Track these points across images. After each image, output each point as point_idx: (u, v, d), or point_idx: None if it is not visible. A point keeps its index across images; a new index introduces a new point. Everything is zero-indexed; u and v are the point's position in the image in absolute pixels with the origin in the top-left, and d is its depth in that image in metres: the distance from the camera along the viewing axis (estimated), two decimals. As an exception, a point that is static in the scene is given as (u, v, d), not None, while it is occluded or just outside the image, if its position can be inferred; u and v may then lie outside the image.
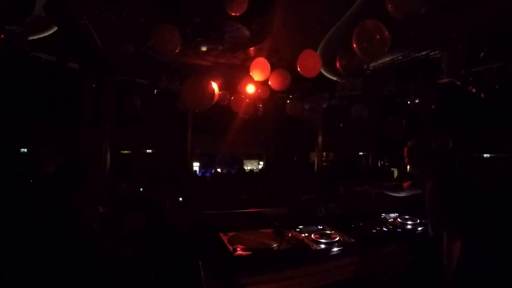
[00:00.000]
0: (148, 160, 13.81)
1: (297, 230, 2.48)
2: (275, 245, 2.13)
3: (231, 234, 2.32)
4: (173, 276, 2.50)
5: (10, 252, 2.43)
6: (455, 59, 4.27)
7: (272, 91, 5.06)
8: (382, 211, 3.12)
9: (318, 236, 2.30)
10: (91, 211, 3.16)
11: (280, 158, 14.89)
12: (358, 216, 2.83)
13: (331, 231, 2.45)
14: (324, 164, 13.56)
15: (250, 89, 5.31)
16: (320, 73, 4.32)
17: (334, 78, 6.66)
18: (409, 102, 5.27)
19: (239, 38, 5.60)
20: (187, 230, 2.74)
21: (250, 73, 4.34)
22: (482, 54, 4.52)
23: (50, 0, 3.53)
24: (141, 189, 5.96)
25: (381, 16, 2.72)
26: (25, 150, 11.28)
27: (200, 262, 2.07)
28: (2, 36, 3.95)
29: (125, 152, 13.11)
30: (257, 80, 4.45)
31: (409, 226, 2.71)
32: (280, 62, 5.68)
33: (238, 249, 2.04)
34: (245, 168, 15.57)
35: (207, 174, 12.72)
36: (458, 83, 5.06)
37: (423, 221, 2.59)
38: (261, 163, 16.66)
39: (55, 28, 4.35)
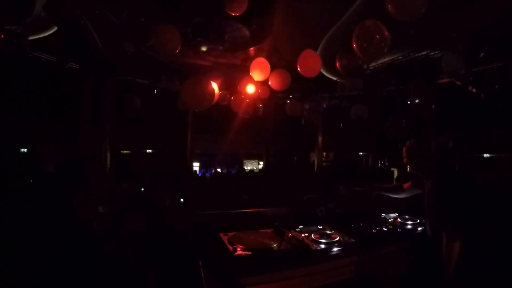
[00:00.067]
0: (148, 160, 13.82)
1: (297, 230, 2.48)
2: (275, 245, 2.13)
3: (231, 234, 2.32)
4: (173, 276, 2.50)
5: (10, 252, 2.43)
6: (455, 59, 4.28)
7: (272, 91, 5.05)
8: (382, 211, 3.12)
9: (318, 236, 2.30)
10: (91, 211, 3.16)
11: (280, 158, 14.90)
12: (358, 216, 2.84)
13: (331, 231, 2.46)
14: (324, 164, 13.56)
15: (250, 89, 5.31)
16: (320, 73, 4.31)
17: (334, 78, 6.66)
18: (409, 102, 5.26)
19: (239, 38, 5.60)
20: (187, 230, 2.74)
21: (250, 73, 4.34)
22: (482, 54, 4.52)
23: (50, 0, 3.53)
24: (142, 189, 5.97)
25: (381, 16, 2.72)
26: (25, 150, 11.28)
27: (200, 262, 2.07)
28: (2, 36, 3.95)
29: (125, 152, 13.12)
30: (257, 80, 4.45)
31: (409, 226, 2.71)
32: (280, 62, 5.67)
33: (238, 249, 2.04)
34: (245, 168, 15.58)
35: (207, 174, 12.72)
36: (458, 83, 5.06)
37: (423, 221, 2.59)
38: (261, 163, 16.67)
39: (55, 28, 4.35)
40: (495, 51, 4.65)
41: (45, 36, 4.49)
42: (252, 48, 6.05)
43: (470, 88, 4.96)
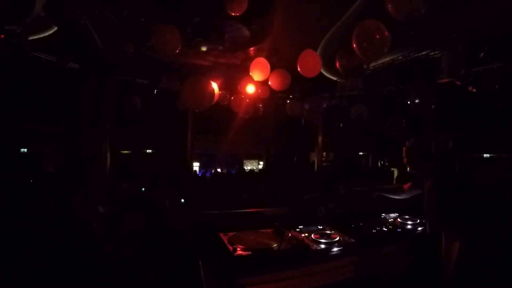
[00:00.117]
0: (148, 160, 13.83)
1: (297, 230, 2.49)
2: (275, 245, 2.13)
3: (231, 234, 2.32)
4: (173, 276, 2.50)
5: (10, 252, 2.43)
6: (455, 59, 4.27)
7: (272, 91, 5.05)
8: (382, 211, 3.12)
9: (318, 236, 2.30)
10: (91, 211, 3.16)
11: (280, 158, 14.90)
12: (358, 216, 2.84)
13: (331, 231, 2.46)
14: (324, 164, 13.56)
15: (250, 89, 5.31)
16: (320, 73, 4.31)
17: (334, 78, 6.66)
18: (409, 102, 5.26)
19: (239, 38, 5.59)
20: (187, 230, 2.74)
21: (250, 73, 4.34)
22: (482, 54, 4.52)
23: (50, 0, 3.53)
24: (143, 189, 5.97)
25: (381, 16, 2.72)
26: (25, 150, 11.29)
27: (200, 262, 2.07)
28: (2, 36, 3.95)
29: (125, 152, 13.13)
30: (257, 80, 4.45)
31: (409, 226, 2.71)
32: (280, 62, 5.67)
33: (238, 249, 2.04)
34: (245, 168, 15.58)
35: (207, 174, 12.72)
36: (458, 83, 5.06)
37: (423, 221, 2.59)
38: (261, 163, 16.68)
39: (55, 28, 4.35)
40: (495, 51, 4.65)
41: (45, 36, 4.49)
42: (252, 48, 6.05)
43: (471, 88, 4.96)
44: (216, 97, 4.28)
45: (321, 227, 2.56)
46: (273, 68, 4.41)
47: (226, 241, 2.19)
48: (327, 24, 4.98)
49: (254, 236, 2.28)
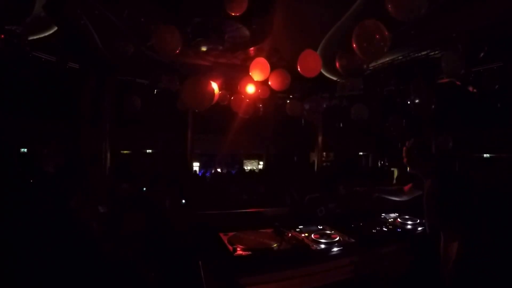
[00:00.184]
0: (148, 160, 13.84)
1: (297, 230, 2.49)
2: (275, 245, 2.13)
3: (231, 234, 2.33)
4: (173, 276, 2.50)
5: (10, 252, 2.43)
6: (455, 59, 4.27)
7: (272, 91, 5.05)
8: (382, 211, 3.12)
9: (318, 236, 2.30)
10: (91, 211, 3.16)
11: (280, 158, 14.91)
12: (358, 216, 2.84)
13: (331, 231, 2.46)
14: (324, 164, 13.56)
15: (250, 89, 5.30)
16: (320, 73, 4.30)
17: (334, 78, 6.66)
18: (409, 102, 5.26)
19: (239, 38, 5.59)
20: (187, 230, 2.74)
21: (250, 73, 4.34)
22: (482, 54, 4.52)
23: (50, 0, 3.53)
24: (144, 189, 5.97)
25: (381, 16, 2.72)
26: (25, 150, 11.29)
27: (200, 262, 2.07)
28: (2, 36, 3.95)
29: (125, 152, 13.13)
30: (257, 80, 4.45)
31: (409, 226, 2.71)
32: (280, 62, 5.67)
33: (238, 249, 2.04)
34: (245, 168, 15.58)
35: (207, 174, 12.72)
36: (458, 83, 5.06)
37: (423, 221, 2.59)
38: (261, 163, 16.68)
39: (55, 28, 4.35)
40: (495, 51, 4.65)
41: (45, 36, 4.49)
42: (252, 48, 6.05)
43: (472, 89, 4.96)
44: (216, 97, 4.28)
45: (321, 227, 2.57)
46: (273, 68, 4.40)
47: (226, 241, 2.19)
48: (327, 24, 4.98)
49: (254, 236, 2.28)
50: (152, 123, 11.56)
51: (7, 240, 2.54)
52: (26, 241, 2.53)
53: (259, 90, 5.37)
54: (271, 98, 6.73)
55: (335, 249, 2.16)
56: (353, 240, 2.29)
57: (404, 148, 2.38)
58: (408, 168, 2.40)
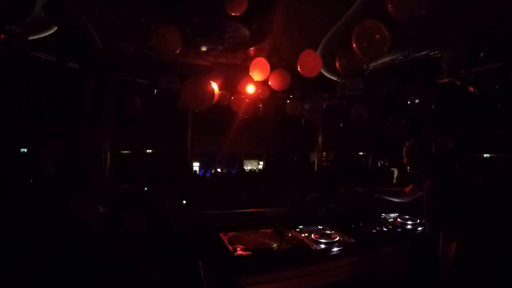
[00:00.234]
0: (148, 160, 13.84)
1: (297, 230, 2.49)
2: (275, 245, 2.13)
3: (231, 234, 2.33)
4: (173, 276, 2.50)
5: (10, 252, 2.43)
6: (455, 59, 4.27)
7: (272, 91, 5.05)
8: (382, 211, 3.12)
9: (318, 236, 2.30)
10: (91, 211, 3.16)
11: (280, 158, 14.89)
12: (358, 216, 2.84)
13: (331, 231, 2.46)
14: (324, 164, 13.56)
15: (250, 89, 5.30)
16: (320, 73, 4.30)
17: (334, 78, 6.66)
18: (409, 102, 5.26)
19: (239, 38, 5.59)
20: (187, 230, 2.74)
21: (250, 73, 4.34)
22: (482, 54, 4.52)
23: (50, 0, 3.53)
24: (145, 189, 5.97)
25: (381, 16, 2.72)
26: (25, 150, 11.29)
27: (200, 262, 2.07)
28: (2, 36, 3.95)
29: (125, 152, 13.13)
30: (257, 80, 4.45)
31: (409, 226, 2.71)
32: (280, 62, 5.67)
33: (238, 249, 2.04)
34: (245, 168, 15.58)
35: (207, 174, 12.72)
36: (458, 83, 5.06)
37: (423, 221, 2.59)
38: (261, 163, 16.67)
39: (55, 28, 4.35)
40: (495, 51, 4.65)
41: (45, 36, 4.49)
42: (252, 48, 6.05)
43: (473, 89, 4.96)
44: (216, 97, 4.28)
45: (321, 227, 2.56)
46: (273, 68, 4.40)
47: (226, 241, 2.19)
48: (327, 24, 4.98)
49: (254, 236, 2.28)
50: (152, 123, 11.57)
51: (7, 240, 2.54)
52: (26, 241, 2.53)
53: (259, 90, 5.37)
54: (271, 98, 6.73)
55: (335, 249, 2.16)
56: (353, 240, 2.29)
57: (404, 148, 2.38)
58: (408, 168, 2.40)
